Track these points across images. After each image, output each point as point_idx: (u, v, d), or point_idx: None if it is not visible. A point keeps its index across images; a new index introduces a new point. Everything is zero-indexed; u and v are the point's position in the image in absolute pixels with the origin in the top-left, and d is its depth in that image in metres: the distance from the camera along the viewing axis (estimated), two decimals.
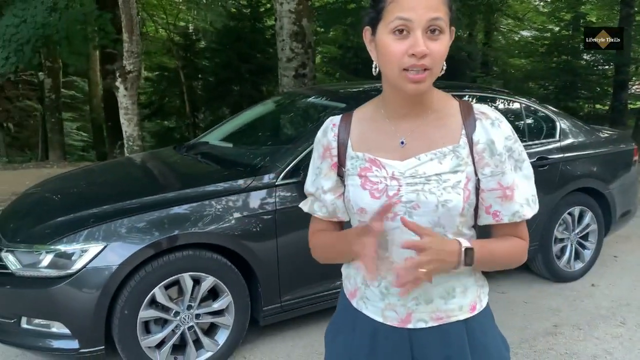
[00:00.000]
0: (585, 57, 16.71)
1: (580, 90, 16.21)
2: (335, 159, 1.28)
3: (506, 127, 1.22)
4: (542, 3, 18.61)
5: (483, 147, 1.19)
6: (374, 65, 1.21)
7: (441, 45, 1.13)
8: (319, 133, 1.34)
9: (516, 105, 4.04)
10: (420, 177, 1.18)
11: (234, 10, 12.81)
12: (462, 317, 1.24)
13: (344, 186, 1.28)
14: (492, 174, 1.19)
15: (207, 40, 14.11)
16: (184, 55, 12.41)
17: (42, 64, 10.89)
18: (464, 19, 12.74)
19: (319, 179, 1.32)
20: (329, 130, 1.31)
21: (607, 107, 16.54)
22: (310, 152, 3.09)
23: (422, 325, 1.24)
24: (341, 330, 1.36)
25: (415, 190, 1.17)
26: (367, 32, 1.21)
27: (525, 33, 20.13)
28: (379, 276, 1.25)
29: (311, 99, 4.01)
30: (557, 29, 17.96)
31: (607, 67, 16.56)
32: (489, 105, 4.04)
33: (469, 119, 1.21)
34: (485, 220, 1.24)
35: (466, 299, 1.25)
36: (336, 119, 1.32)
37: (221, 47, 12.06)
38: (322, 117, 3.36)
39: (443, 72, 1.18)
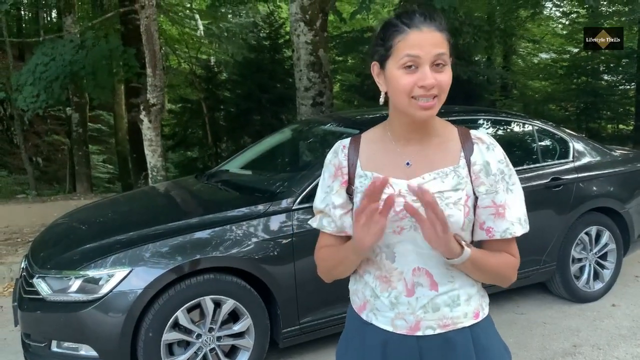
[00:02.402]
0: (605, 77, 16.70)
1: (601, 111, 16.14)
2: (346, 177, 1.39)
3: (499, 152, 1.33)
4: (560, 26, 18.66)
5: (479, 167, 1.31)
6: (382, 95, 1.34)
7: (446, 76, 1.26)
8: (329, 155, 1.46)
9: (529, 128, 4.11)
10: None
11: (254, 42, 13.14)
12: (467, 323, 1.33)
13: (352, 204, 1.38)
14: (487, 192, 1.30)
15: (228, 72, 14.46)
16: (206, 87, 12.72)
17: (70, 99, 11.28)
18: (481, 42, 12.85)
19: (330, 196, 1.42)
20: (339, 151, 1.43)
21: (631, 127, 16.38)
22: None
23: (430, 332, 1.32)
24: (351, 345, 1.44)
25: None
26: (375, 66, 1.34)
27: (544, 56, 20.19)
28: (390, 287, 1.34)
29: (326, 126, 4.14)
30: (575, 50, 17.99)
31: (628, 87, 16.49)
32: (502, 128, 4.13)
33: (467, 143, 1.33)
34: (479, 235, 1.34)
35: (470, 307, 1.34)
36: (346, 142, 1.44)
37: (242, 78, 12.37)
38: None
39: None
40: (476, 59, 16.55)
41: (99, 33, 9.80)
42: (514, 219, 1.31)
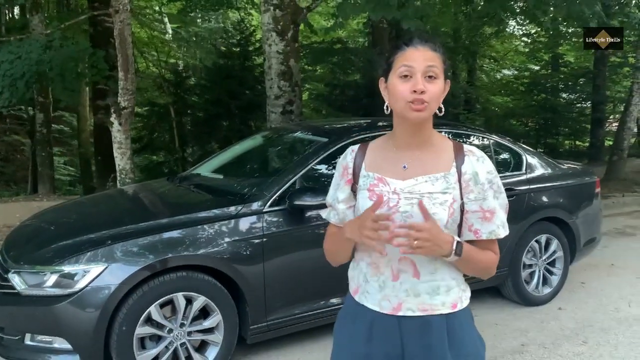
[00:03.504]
0: (564, 95, 17.40)
1: (559, 127, 16.80)
2: (351, 176, 1.61)
3: (489, 164, 1.57)
4: (522, 44, 19.34)
5: (469, 177, 1.52)
6: (385, 106, 1.57)
7: (436, 87, 1.47)
8: (341, 157, 1.69)
9: (486, 142, 4.38)
10: (416, 193, 1.50)
11: (224, 48, 13.24)
12: (444, 311, 1.53)
13: (356, 200, 1.60)
14: (475, 199, 1.52)
15: (197, 77, 14.50)
16: (174, 91, 12.74)
17: (34, 99, 11.13)
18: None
19: (337, 192, 1.66)
20: (348, 154, 1.66)
21: (587, 144, 17.08)
22: (294, 183, 3.39)
23: (410, 313, 1.53)
24: (345, 323, 1.66)
25: (410, 203, 1.49)
26: (382, 82, 1.57)
27: (507, 72, 20.88)
28: (378, 272, 1.56)
29: (296, 134, 4.33)
30: (536, 68, 18.68)
31: (584, 105, 17.21)
32: (461, 140, 4.38)
33: (459, 154, 1.55)
34: (467, 236, 1.56)
35: (449, 298, 1.54)
36: (355, 147, 1.67)
37: (211, 84, 12.45)
38: (307, 150, 3.66)
39: (442, 112, 1.54)
40: None
41: (67, 34, 9.74)
42: (499, 222, 1.54)
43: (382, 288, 1.54)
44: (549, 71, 17.67)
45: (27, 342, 2.92)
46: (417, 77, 1.45)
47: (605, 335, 3.83)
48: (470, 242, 1.55)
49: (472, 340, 1.57)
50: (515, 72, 19.52)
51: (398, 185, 1.52)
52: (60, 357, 2.88)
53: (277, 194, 3.33)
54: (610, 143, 17.62)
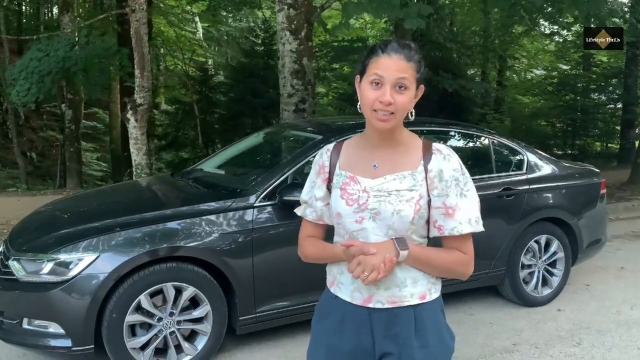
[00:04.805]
0: (594, 96, 17.00)
1: (589, 128, 16.43)
2: (327, 175, 1.68)
3: (455, 162, 1.59)
4: (552, 43, 18.97)
5: (434, 174, 1.57)
6: (358, 105, 1.61)
7: (404, 98, 1.51)
8: (317, 155, 1.74)
9: (487, 142, 4.36)
10: (384, 191, 1.55)
11: (248, 48, 13.42)
12: (412, 302, 1.58)
13: (330, 198, 1.66)
14: (438, 195, 1.56)
15: (223, 76, 14.72)
16: (199, 89, 12.98)
17: (64, 96, 11.51)
18: (464, 59, 13.18)
19: (314, 190, 1.71)
20: (324, 153, 1.72)
21: (618, 146, 16.66)
22: (285, 179, 3.47)
23: (379, 305, 1.58)
24: (320, 316, 1.73)
25: (378, 200, 1.55)
26: (357, 80, 1.61)
27: (538, 72, 20.49)
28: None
29: (294, 131, 4.41)
30: (566, 67, 18.28)
31: (615, 106, 16.78)
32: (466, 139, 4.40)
33: (427, 153, 1.60)
34: (432, 232, 1.60)
35: (416, 289, 1.59)
36: (330, 146, 1.73)
37: (235, 82, 12.65)
38: (301, 147, 3.74)
39: (413, 117, 1.59)
40: (471, 72, 16.88)
41: (96, 32, 10.05)
42: (464, 219, 1.56)
43: (354, 280, 1.59)
44: (580, 71, 17.30)
45: (25, 326, 3.07)
46: (385, 87, 1.48)
47: (601, 337, 3.79)
48: (439, 241, 1.60)
49: (438, 331, 1.61)
50: (545, 72, 19.12)
51: (368, 184, 1.58)
52: (55, 341, 3.02)
53: (268, 189, 3.41)
54: None
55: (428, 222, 1.59)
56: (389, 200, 1.54)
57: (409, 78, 1.50)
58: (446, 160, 1.58)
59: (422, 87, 1.57)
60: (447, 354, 1.62)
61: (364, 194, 1.57)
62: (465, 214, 1.56)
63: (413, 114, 1.58)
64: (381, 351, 1.59)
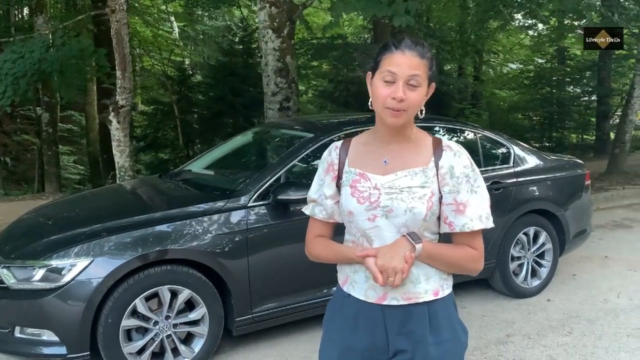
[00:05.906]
0: (569, 88, 17.28)
1: (566, 121, 16.69)
2: (336, 173, 1.66)
3: (465, 158, 1.60)
4: (528, 37, 19.21)
5: (445, 170, 1.57)
6: (370, 102, 1.60)
7: (417, 95, 1.51)
8: (325, 153, 1.73)
9: (473, 136, 4.41)
10: (396, 188, 1.55)
11: (227, 46, 13.32)
12: (426, 299, 1.58)
13: (340, 195, 1.66)
14: (449, 192, 1.57)
15: (201, 75, 14.60)
16: (178, 89, 12.85)
17: (40, 99, 11.29)
18: (444, 54, 13.29)
19: (323, 188, 1.70)
20: (333, 151, 1.70)
21: (593, 137, 16.97)
22: (279, 179, 3.45)
23: (394, 302, 1.58)
24: (333, 314, 1.72)
25: (390, 198, 1.54)
26: (368, 76, 1.61)
27: (513, 66, 20.74)
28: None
29: (284, 130, 4.39)
30: (541, 61, 18.54)
31: (590, 98, 17.07)
32: (451, 134, 4.43)
33: (438, 150, 1.60)
34: (443, 228, 1.61)
35: (430, 285, 1.59)
36: (339, 143, 1.72)
37: (214, 81, 12.55)
38: (292, 146, 3.72)
39: (423, 115, 1.59)
40: (447, 68, 17.02)
41: (71, 33, 9.86)
42: (474, 215, 1.56)
43: (368, 278, 1.58)
44: (555, 65, 17.56)
45: (17, 334, 3.01)
46: (398, 84, 1.48)
47: (590, 326, 3.86)
48: (449, 237, 1.61)
49: (452, 327, 1.62)
50: (521, 66, 19.37)
51: (379, 180, 1.57)
52: (49, 349, 2.97)
53: (261, 189, 3.40)
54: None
55: (438, 218, 1.60)
56: (402, 197, 1.54)
57: (421, 75, 1.50)
58: (457, 156, 1.58)
59: (433, 84, 1.57)
60: (461, 349, 1.63)
61: (375, 191, 1.56)
62: (476, 210, 1.57)
63: (423, 112, 1.59)
64: (395, 348, 1.59)
